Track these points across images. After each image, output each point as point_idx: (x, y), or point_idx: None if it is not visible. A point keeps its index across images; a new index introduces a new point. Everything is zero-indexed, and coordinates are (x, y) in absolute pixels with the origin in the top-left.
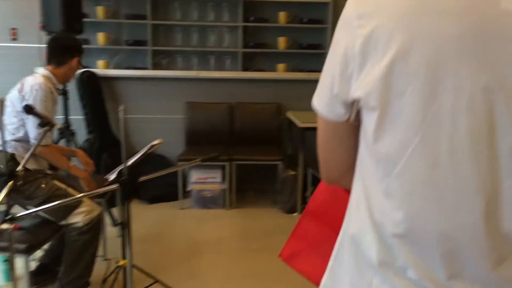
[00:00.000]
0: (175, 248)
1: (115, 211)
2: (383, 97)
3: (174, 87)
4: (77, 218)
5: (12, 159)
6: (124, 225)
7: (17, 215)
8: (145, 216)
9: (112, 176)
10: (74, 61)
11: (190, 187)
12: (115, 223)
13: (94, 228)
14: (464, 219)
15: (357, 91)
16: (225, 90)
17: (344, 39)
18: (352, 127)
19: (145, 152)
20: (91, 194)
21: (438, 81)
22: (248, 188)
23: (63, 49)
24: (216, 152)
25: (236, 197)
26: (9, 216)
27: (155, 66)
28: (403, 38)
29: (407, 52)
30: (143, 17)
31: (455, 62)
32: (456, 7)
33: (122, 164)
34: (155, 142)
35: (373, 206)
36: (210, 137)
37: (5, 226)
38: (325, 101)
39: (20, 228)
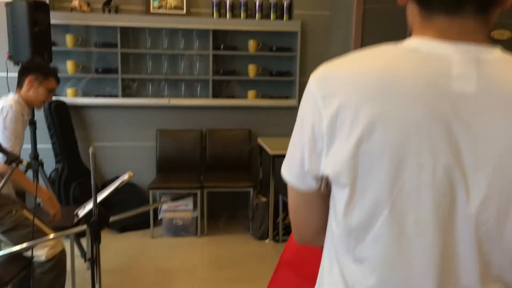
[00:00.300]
0: (147, 278)
1: (84, 242)
2: (352, 175)
3: (144, 114)
4: (40, 252)
5: None
6: (94, 262)
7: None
8: (115, 245)
9: (81, 211)
10: (27, 80)
11: (161, 215)
12: (84, 256)
13: (58, 265)
14: (428, 283)
15: (326, 168)
16: (196, 117)
17: (311, 116)
18: (322, 194)
19: (116, 188)
20: (59, 235)
21: (402, 159)
22: (220, 215)
23: (20, 70)
24: (187, 192)
25: (208, 224)
26: None
27: (125, 94)
28: (368, 119)
29: (372, 133)
30: (113, 45)
31: (417, 141)
32: (413, 91)
33: (91, 202)
34: (125, 177)
35: (345, 271)
36: (181, 165)
37: None
38: (296, 174)
39: None
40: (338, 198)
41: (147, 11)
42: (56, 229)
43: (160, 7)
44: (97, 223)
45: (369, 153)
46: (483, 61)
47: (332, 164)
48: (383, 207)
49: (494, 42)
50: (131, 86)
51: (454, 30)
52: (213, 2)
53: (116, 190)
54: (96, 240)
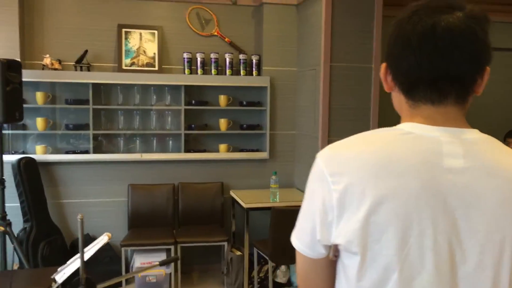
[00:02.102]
0: None
1: None
2: (363, 244)
3: (116, 170)
4: None
5: None
6: None
7: None
8: None
9: (59, 276)
10: None
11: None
12: None
13: None
14: None
15: (337, 238)
16: (169, 172)
17: (321, 191)
18: (330, 261)
19: (95, 250)
20: None
21: (407, 227)
22: (194, 269)
23: None
24: (176, 256)
25: (181, 279)
26: None
27: (97, 150)
28: (374, 194)
29: (379, 206)
30: (85, 102)
31: (417, 212)
32: (412, 169)
33: (73, 263)
34: (105, 238)
35: None
36: (153, 219)
37: None
38: (306, 243)
39: None
40: (349, 264)
41: (119, 68)
42: None
43: (132, 64)
44: None
45: (378, 224)
46: (466, 141)
47: (343, 234)
48: (392, 271)
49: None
50: (102, 142)
51: (439, 117)
52: (184, 59)
53: (96, 252)
54: None
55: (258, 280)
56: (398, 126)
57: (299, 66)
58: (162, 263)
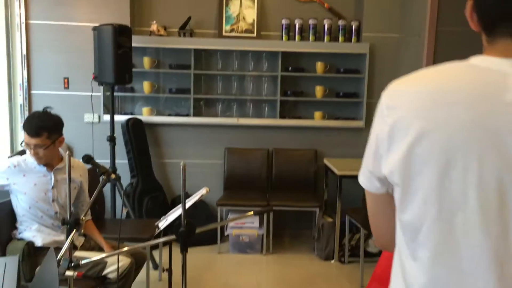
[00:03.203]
0: None
1: (156, 254)
2: (404, 175)
3: (214, 133)
4: (112, 268)
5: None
6: (171, 271)
7: (81, 263)
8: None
9: (162, 223)
10: None
11: (228, 231)
12: (156, 267)
13: (125, 276)
14: (481, 287)
15: (385, 169)
16: (263, 137)
17: (378, 125)
18: (392, 198)
19: (196, 201)
20: (149, 244)
21: (450, 162)
22: (285, 234)
23: None
24: (265, 205)
25: (273, 242)
26: (73, 263)
27: (196, 113)
28: (420, 126)
29: (423, 137)
30: (187, 67)
31: (464, 146)
32: (466, 100)
33: (175, 212)
34: (203, 191)
35: (405, 269)
36: (248, 183)
37: (69, 273)
38: (365, 176)
39: (83, 276)
40: (395, 197)
41: (219, 35)
42: (132, 241)
43: (232, 30)
44: (186, 233)
45: (420, 156)
46: None
47: (388, 165)
48: (431, 206)
49: None
50: (202, 106)
51: None
52: (282, 25)
53: (195, 204)
54: (184, 249)
55: (349, 248)
56: (469, 60)
57: (402, 32)
58: (256, 213)
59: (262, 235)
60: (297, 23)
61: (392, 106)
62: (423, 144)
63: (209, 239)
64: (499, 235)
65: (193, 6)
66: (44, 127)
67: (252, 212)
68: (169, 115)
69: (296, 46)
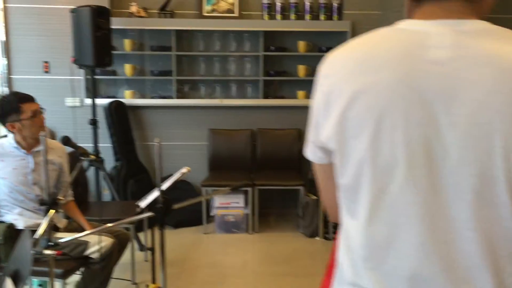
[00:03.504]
0: (199, 273)
1: (142, 235)
2: (340, 139)
3: (197, 114)
4: (93, 249)
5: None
6: (160, 250)
7: (60, 241)
8: (169, 240)
9: (143, 203)
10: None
11: (213, 212)
12: (142, 248)
13: (108, 256)
14: (414, 242)
15: (323, 137)
16: (247, 117)
17: (316, 95)
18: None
19: (175, 180)
20: (128, 221)
21: (380, 122)
22: (270, 213)
23: None
24: (244, 181)
25: (258, 221)
26: (52, 242)
27: (180, 95)
28: (351, 90)
29: (354, 101)
30: (168, 49)
31: (391, 105)
32: (391, 62)
33: (154, 191)
34: (184, 170)
35: (347, 231)
36: (232, 163)
37: (48, 251)
38: (309, 148)
39: (62, 254)
40: (335, 163)
41: (200, 15)
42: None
43: (212, 10)
44: (163, 209)
45: (352, 119)
46: (460, 31)
47: (325, 132)
48: (366, 165)
49: None
50: (185, 88)
51: (439, 12)
52: (264, 4)
53: (175, 182)
54: (161, 225)
55: (333, 224)
56: (396, 24)
57: (382, 9)
58: (233, 188)
59: (247, 215)
60: (279, 2)
61: (327, 75)
62: (354, 108)
63: (195, 220)
64: (428, 190)
65: None
66: None
67: (229, 189)
68: (152, 97)
69: (278, 25)
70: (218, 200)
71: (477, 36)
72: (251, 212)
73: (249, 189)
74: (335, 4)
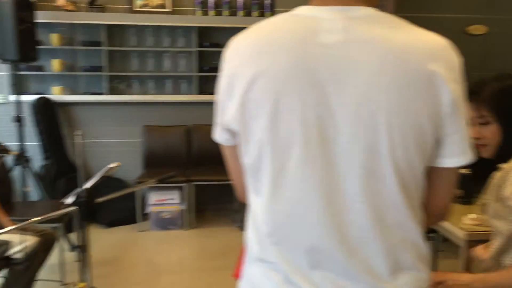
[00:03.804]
0: (135, 271)
1: (73, 236)
2: (242, 121)
3: (131, 111)
4: (17, 248)
5: None
6: (82, 248)
7: None
8: (103, 240)
9: (69, 200)
10: None
11: (148, 209)
12: (72, 248)
13: (32, 256)
14: (312, 215)
15: (227, 118)
16: (182, 113)
17: (221, 78)
18: None
19: (102, 175)
20: (47, 217)
21: (278, 103)
22: (207, 208)
23: None
24: (173, 172)
25: (195, 217)
26: None
27: (112, 91)
28: (251, 73)
29: (254, 83)
30: (99, 44)
31: (286, 87)
32: (287, 45)
33: (79, 187)
34: (112, 165)
35: (253, 208)
36: (168, 160)
37: None
38: (216, 130)
39: None
40: (239, 144)
41: (131, 9)
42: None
43: (144, 5)
44: (85, 203)
45: (252, 100)
46: (350, 17)
47: (229, 113)
48: (265, 145)
49: (470, 37)
50: (117, 83)
51: None
52: (196, 0)
53: (104, 178)
54: (84, 220)
55: None
56: (293, 10)
57: None
58: (159, 180)
59: (183, 211)
60: None
61: (229, 59)
62: (254, 90)
63: (129, 218)
64: (324, 167)
65: None
66: None
67: (154, 180)
68: (83, 93)
69: (211, 20)
70: (154, 197)
71: (366, 22)
72: (187, 208)
73: (184, 185)
74: (267, 1)
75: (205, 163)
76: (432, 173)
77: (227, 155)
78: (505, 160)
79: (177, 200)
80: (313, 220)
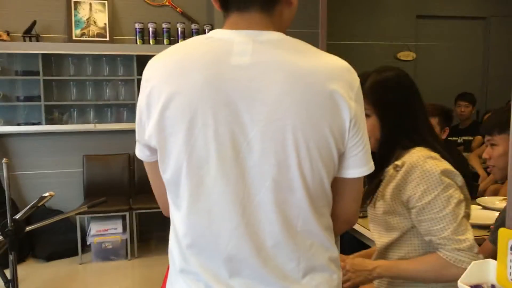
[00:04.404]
0: None
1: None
2: (159, 137)
3: (70, 141)
4: None
5: None
6: (12, 283)
7: None
8: (41, 274)
9: None
10: None
11: (90, 240)
12: (5, 283)
13: None
14: (228, 227)
15: (146, 135)
16: (123, 142)
17: (139, 97)
18: None
19: (35, 204)
20: None
21: (193, 120)
22: (151, 237)
23: None
24: (103, 198)
25: (139, 246)
26: None
27: (50, 121)
28: (167, 92)
29: (171, 101)
30: (35, 73)
31: (201, 105)
32: (201, 66)
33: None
34: (46, 194)
35: (174, 222)
36: (109, 189)
37: None
38: (137, 147)
39: None
40: (158, 160)
41: (69, 39)
42: None
43: (82, 34)
44: (13, 232)
45: (170, 118)
46: (259, 41)
47: (148, 131)
48: (182, 161)
49: (400, 62)
50: (55, 113)
51: (243, 22)
52: (136, 29)
53: (40, 208)
54: (13, 249)
55: None
56: (209, 33)
57: None
58: (90, 206)
59: (126, 240)
60: (151, 27)
61: (148, 79)
62: (171, 107)
63: (70, 251)
64: (238, 180)
65: (38, 10)
66: None
67: (85, 207)
68: (18, 124)
69: (151, 49)
70: (95, 228)
71: (272, 46)
72: (130, 238)
73: (127, 213)
74: (206, 30)
75: (148, 191)
76: (338, 183)
77: (149, 171)
78: (387, 155)
79: (119, 230)
80: (230, 231)
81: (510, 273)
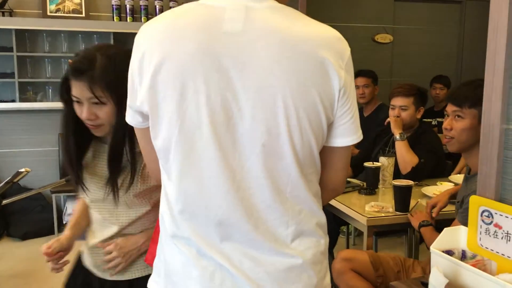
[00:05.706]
0: (50, 281)
1: None
2: (151, 103)
3: (45, 119)
4: None
5: None
6: None
7: None
8: (16, 253)
9: None
10: None
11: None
12: None
13: None
14: (219, 192)
15: (138, 101)
16: None
17: (131, 62)
18: None
19: (10, 180)
20: None
21: (184, 86)
22: None
23: None
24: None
25: None
26: None
27: (24, 99)
28: (158, 57)
29: (161, 67)
30: (9, 49)
31: (192, 71)
32: (191, 32)
33: None
34: (22, 170)
35: (166, 188)
36: None
37: None
38: (128, 113)
39: None
40: (149, 125)
41: (44, 14)
42: None
43: (57, 10)
44: None
45: (161, 83)
46: (252, 8)
47: (140, 96)
48: (174, 126)
49: (378, 45)
50: (30, 90)
51: None
52: (113, 6)
53: (15, 184)
54: None
55: None
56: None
57: None
58: (67, 180)
59: None
60: (128, 4)
61: (140, 43)
62: (162, 73)
63: (46, 230)
64: (229, 146)
65: None
66: None
67: (63, 180)
68: None
69: (128, 27)
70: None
71: (265, 13)
72: None
73: None
74: None
75: None
76: (327, 152)
77: (140, 138)
78: (121, 141)
79: None
80: (221, 196)
81: (480, 238)
